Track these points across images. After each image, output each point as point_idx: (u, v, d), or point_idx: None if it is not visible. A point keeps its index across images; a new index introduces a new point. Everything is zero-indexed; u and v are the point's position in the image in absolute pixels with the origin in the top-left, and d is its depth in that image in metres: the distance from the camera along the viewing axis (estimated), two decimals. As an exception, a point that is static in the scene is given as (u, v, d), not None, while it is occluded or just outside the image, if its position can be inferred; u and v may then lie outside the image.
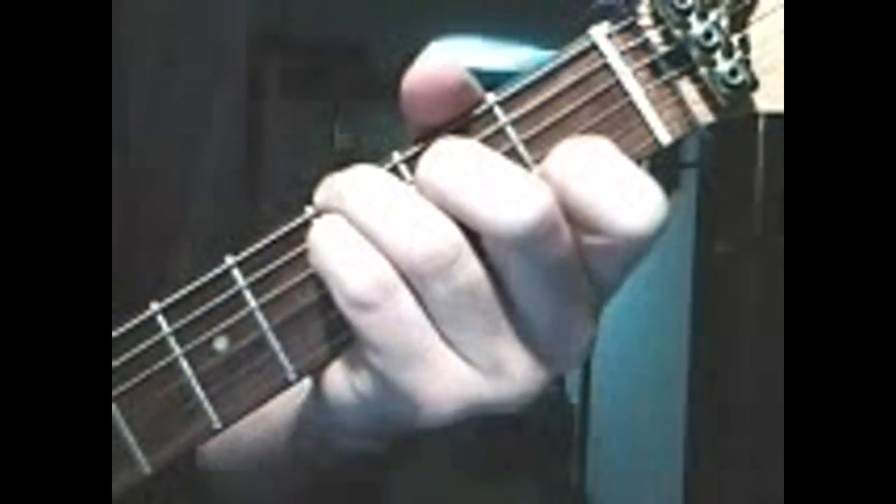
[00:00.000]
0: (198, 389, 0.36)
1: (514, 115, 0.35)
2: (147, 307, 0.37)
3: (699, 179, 2.68)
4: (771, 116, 0.35)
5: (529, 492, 3.64)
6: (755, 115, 0.35)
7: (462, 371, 0.34)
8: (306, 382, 0.38)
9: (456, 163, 0.32)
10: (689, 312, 2.86)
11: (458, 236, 0.32)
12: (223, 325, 0.36)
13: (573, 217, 0.32)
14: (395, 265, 0.33)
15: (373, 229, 0.33)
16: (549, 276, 0.32)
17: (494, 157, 0.33)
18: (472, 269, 0.32)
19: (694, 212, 2.66)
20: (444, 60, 0.33)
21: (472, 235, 0.33)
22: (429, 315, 0.33)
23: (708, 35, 0.33)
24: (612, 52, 0.34)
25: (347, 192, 0.34)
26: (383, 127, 4.08)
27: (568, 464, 3.65)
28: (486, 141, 0.34)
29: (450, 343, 0.33)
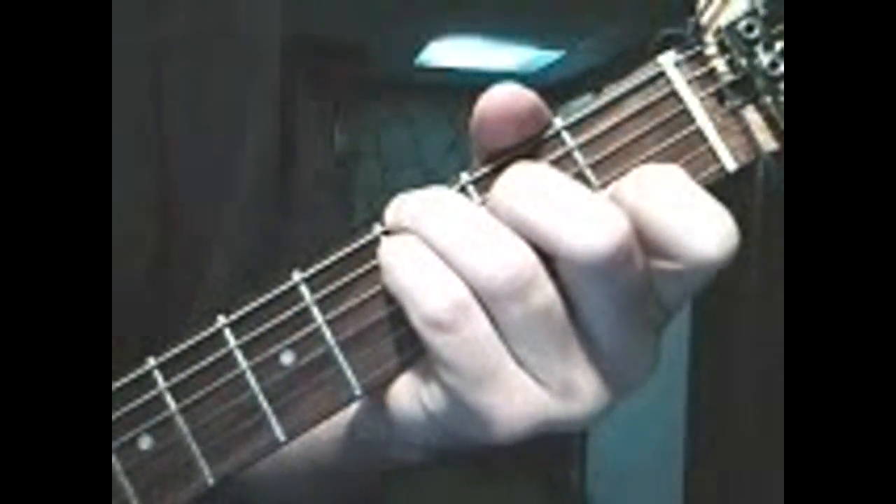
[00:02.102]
0: (264, 403, 0.37)
1: (581, 139, 0.35)
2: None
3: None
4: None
5: (529, 492, 3.64)
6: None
7: (533, 391, 0.34)
8: None
9: (535, 187, 0.33)
10: (689, 313, 2.86)
11: (534, 258, 0.33)
12: (290, 340, 0.36)
13: (645, 242, 0.33)
14: (471, 286, 0.33)
15: (450, 249, 0.33)
16: (621, 300, 0.33)
17: (572, 183, 0.33)
18: (547, 291, 0.33)
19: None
20: (515, 87, 0.34)
21: (544, 258, 0.33)
22: (501, 335, 0.33)
23: (773, 65, 0.34)
24: (679, 80, 0.35)
25: (422, 212, 0.34)
26: (383, 127, 4.08)
27: (568, 464, 3.65)
28: (553, 164, 0.35)
29: (521, 363, 0.34)
